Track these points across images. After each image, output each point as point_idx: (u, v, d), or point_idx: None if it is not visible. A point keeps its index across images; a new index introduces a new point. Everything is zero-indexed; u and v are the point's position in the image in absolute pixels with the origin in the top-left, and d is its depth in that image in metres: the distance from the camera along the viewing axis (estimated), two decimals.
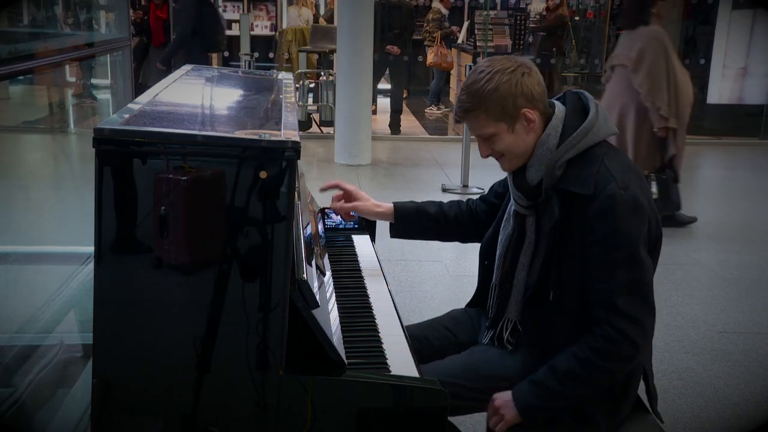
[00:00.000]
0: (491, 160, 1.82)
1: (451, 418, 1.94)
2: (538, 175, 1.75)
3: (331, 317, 1.67)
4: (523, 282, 1.82)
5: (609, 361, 1.66)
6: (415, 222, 2.14)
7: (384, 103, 9.31)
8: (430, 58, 9.98)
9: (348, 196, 2.18)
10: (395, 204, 2.16)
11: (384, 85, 10.28)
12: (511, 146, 1.75)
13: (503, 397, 1.74)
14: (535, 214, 1.80)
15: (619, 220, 1.63)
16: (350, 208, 2.17)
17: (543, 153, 1.73)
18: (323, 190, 2.23)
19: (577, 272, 1.70)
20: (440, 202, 2.20)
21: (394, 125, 8.94)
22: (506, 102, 1.70)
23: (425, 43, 10.29)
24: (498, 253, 1.91)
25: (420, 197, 2.34)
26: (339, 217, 2.37)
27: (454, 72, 11.22)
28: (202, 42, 7.25)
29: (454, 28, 10.68)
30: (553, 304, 1.73)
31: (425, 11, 10.92)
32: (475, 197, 2.23)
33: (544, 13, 10.72)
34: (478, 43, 10.06)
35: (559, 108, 1.77)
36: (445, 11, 10.31)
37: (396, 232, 2.17)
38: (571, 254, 1.70)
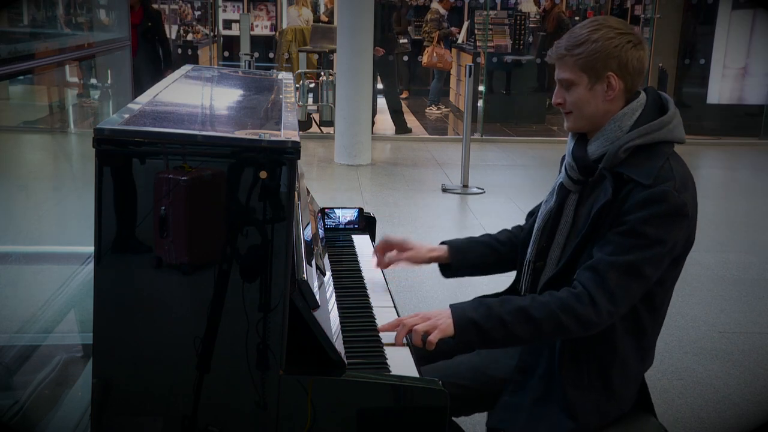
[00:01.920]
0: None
1: (454, 418, 1.94)
2: (599, 151, 1.72)
3: (331, 317, 1.67)
4: (556, 261, 1.79)
5: (567, 316, 1.63)
6: (469, 250, 2.02)
7: (382, 102, 9.31)
8: (425, 58, 9.98)
9: (397, 247, 2.05)
10: (445, 242, 2.05)
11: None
12: (583, 103, 1.71)
13: (439, 310, 1.69)
14: (579, 192, 1.78)
15: (659, 214, 1.61)
16: (405, 260, 2.03)
17: (612, 130, 1.70)
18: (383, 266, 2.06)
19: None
20: (488, 233, 2.10)
21: (399, 125, 8.93)
22: (598, 56, 1.67)
23: (424, 43, 10.29)
24: (536, 226, 1.87)
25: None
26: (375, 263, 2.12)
27: (453, 72, 11.22)
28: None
29: (453, 29, 10.68)
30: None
31: (424, 11, 10.92)
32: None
33: (543, 13, 10.73)
34: (478, 43, 10.06)
35: (643, 96, 1.75)
36: (443, 12, 10.31)
37: (451, 267, 2.03)
38: (599, 235, 1.68)
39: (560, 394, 1.72)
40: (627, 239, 1.63)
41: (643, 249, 1.62)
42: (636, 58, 1.69)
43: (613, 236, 1.65)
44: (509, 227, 2.09)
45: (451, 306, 1.71)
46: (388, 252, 2.05)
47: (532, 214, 1.99)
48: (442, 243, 2.04)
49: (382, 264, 2.05)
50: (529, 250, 1.87)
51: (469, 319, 1.67)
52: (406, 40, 10.33)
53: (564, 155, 1.91)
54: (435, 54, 9.87)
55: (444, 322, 1.67)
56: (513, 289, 1.96)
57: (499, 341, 1.68)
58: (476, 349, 1.93)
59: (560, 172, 1.87)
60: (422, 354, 1.73)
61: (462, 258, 2.01)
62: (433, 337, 1.65)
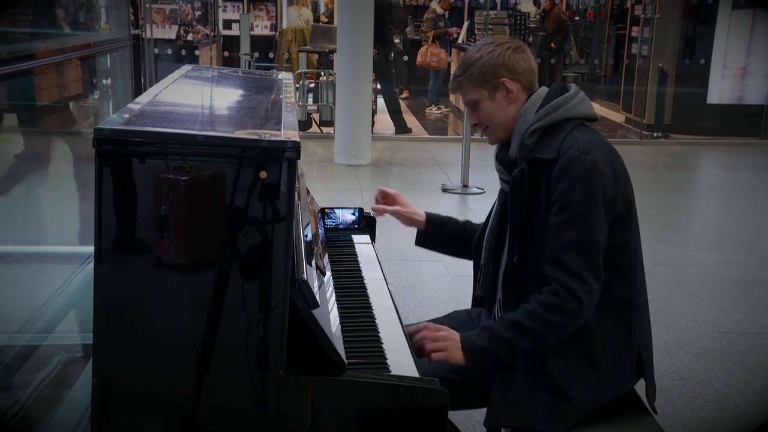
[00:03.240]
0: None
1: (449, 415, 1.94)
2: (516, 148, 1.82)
3: (331, 317, 1.67)
4: (511, 256, 1.85)
5: (553, 314, 1.69)
6: (444, 227, 2.19)
7: (382, 102, 9.32)
8: (419, 57, 9.97)
9: (390, 199, 2.21)
10: (428, 212, 2.21)
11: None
12: (491, 114, 1.84)
13: (452, 335, 1.78)
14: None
15: (573, 181, 1.68)
16: (392, 212, 2.18)
17: (520, 125, 1.82)
18: (377, 212, 2.21)
19: (543, 241, 1.74)
20: (469, 220, 2.24)
21: (399, 125, 8.92)
22: (487, 69, 1.81)
23: (422, 43, 10.29)
24: (487, 231, 1.98)
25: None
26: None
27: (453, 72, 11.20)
28: None
29: (451, 29, 10.66)
30: (533, 276, 1.77)
31: (423, 11, 10.92)
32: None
33: (542, 13, 10.73)
34: None
35: (543, 89, 1.86)
36: (440, 11, 10.29)
37: (423, 236, 2.21)
38: (537, 223, 1.76)
39: (547, 378, 1.75)
40: (561, 216, 1.70)
41: (577, 219, 1.69)
42: (521, 59, 1.83)
43: (551, 219, 1.72)
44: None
45: (461, 337, 1.78)
46: (382, 201, 2.21)
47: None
48: (426, 212, 2.19)
49: (377, 210, 2.20)
50: (483, 254, 1.98)
51: (477, 347, 1.75)
52: (398, 40, 10.32)
53: None
54: (429, 53, 9.85)
55: (454, 353, 1.75)
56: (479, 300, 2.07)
57: (508, 358, 1.76)
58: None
59: None
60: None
61: (435, 232, 2.19)
62: (436, 357, 1.75)
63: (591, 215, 1.69)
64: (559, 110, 1.78)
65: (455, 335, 1.77)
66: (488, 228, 1.97)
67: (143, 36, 8.97)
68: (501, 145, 1.91)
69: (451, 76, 1.91)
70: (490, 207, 2.03)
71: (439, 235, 2.19)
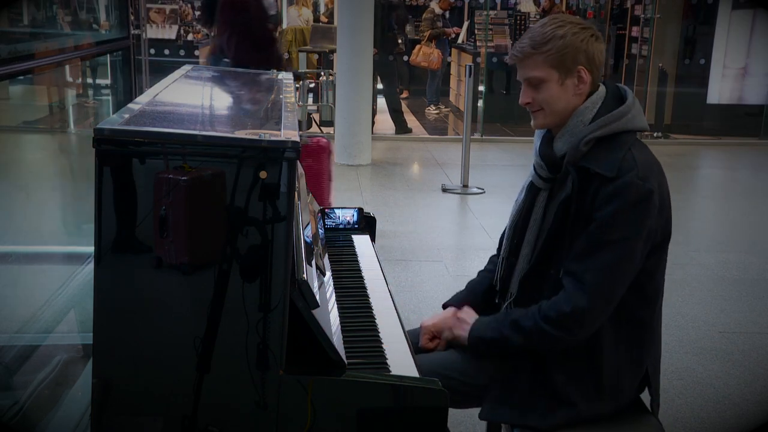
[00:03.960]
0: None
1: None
2: (565, 147, 1.74)
3: (331, 317, 1.67)
4: (527, 257, 1.81)
5: (548, 324, 1.69)
6: (476, 306, 1.96)
7: (382, 102, 9.32)
8: (412, 56, 9.95)
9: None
10: (448, 303, 2.03)
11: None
12: (554, 99, 1.73)
13: (467, 317, 1.85)
14: (549, 189, 1.79)
15: (625, 206, 1.63)
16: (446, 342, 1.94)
17: (576, 125, 1.73)
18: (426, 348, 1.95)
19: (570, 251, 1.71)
20: (480, 271, 2.08)
21: (399, 125, 8.92)
22: (568, 52, 1.69)
23: (421, 42, 10.28)
24: (508, 224, 1.91)
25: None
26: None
27: (454, 72, 11.21)
28: None
29: (449, 29, 10.65)
30: (550, 283, 1.75)
31: (423, 11, 10.91)
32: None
33: (542, 12, 10.72)
34: (478, 43, 10.06)
35: (602, 89, 1.77)
36: (439, 11, 10.28)
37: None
38: (575, 236, 1.70)
39: (549, 384, 1.74)
40: (600, 235, 1.65)
41: (616, 244, 1.65)
42: (599, 51, 1.73)
43: (585, 236, 1.67)
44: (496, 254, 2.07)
45: (474, 322, 1.84)
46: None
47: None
48: (445, 305, 2.02)
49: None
50: (503, 246, 1.93)
51: (480, 338, 1.81)
52: (400, 41, 10.32)
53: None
54: (421, 53, 9.82)
55: (460, 333, 1.86)
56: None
57: (503, 349, 1.80)
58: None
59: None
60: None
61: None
62: (444, 338, 1.88)
63: (631, 243, 1.65)
64: (620, 121, 1.71)
65: (470, 317, 1.85)
66: (511, 222, 1.90)
67: (143, 36, 8.97)
68: (544, 137, 1.81)
69: (515, 45, 1.76)
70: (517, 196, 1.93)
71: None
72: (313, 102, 9.33)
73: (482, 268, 2.09)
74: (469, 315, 1.88)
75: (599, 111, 1.72)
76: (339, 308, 1.79)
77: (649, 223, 1.67)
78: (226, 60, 4.02)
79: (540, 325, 1.70)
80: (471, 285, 2.07)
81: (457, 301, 2.01)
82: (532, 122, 1.80)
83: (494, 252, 2.06)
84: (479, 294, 2.02)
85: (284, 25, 10.44)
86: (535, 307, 1.73)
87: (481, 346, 1.81)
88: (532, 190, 1.84)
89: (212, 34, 4.71)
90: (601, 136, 1.70)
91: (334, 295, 1.85)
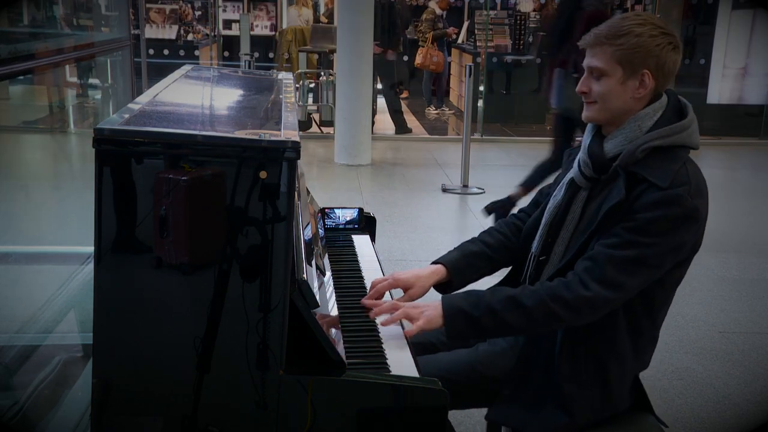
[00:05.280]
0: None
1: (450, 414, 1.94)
2: (616, 149, 1.69)
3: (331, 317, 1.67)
4: (560, 256, 1.78)
5: (554, 301, 1.64)
6: (466, 267, 1.94)
7: (382, 102, 9.32)
8: (419, 59, 9.96)
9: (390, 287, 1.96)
10: (440, 261, 1.95)
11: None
12: (611, 96, 1.68)
13: (433, 302, 1.69)
14: (589, 189, 1.76)
15: (668, 217, 1.61)
16: (407, 299, 1.90)
17: (632, 129, 1.69)
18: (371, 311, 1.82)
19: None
20: (476, 237, 2.01)
21: (399, 125, 8.92)
22: (639, 52, 1.64)
23: (419, 43, 10.27)
24: (543, 221, 1.85)
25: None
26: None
27: (455, 72, 11.21)
28: None
29: (449, 29, 10.65)
30: None
31: (422, 11, 10.90)
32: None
33: (538, 8, 10.73)
34: (478, 43, 10.06)
35: (665, 98, 1.73)
36: (439, 11, 10.27)
37: (450, 286, 1.93)
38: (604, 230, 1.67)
39: (557, 388, 1.73)
40: (632, 235, 1.62)
41: (645, 246, 1.62)
42: (673, 61, 1.68)
43: (618, 230, 1.64)
44: (495, 226, 2.04)
45: (442, 296, 1.72)
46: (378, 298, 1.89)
47: (546, 195, 1.94)
48: (436, 262, 1.95)
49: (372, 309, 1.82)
50: (535, 243, 1.86)
51: (458, 308, 1.68)
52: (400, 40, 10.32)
53: (567, 150, 1.91)
54: (429, 55, 9.82)
55: (431, 312, 1.68)
56: (510, 279, 1.95)
57: (491, 330, 1.69)
58: (474, 344, 1.94)
59: (566, 167, 1.86)
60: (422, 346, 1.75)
61: (461, 278, 1.94)
62: (415, 327, 1.67)
63: (662, 252, 1.63)
64: (680, 135, 1.67)
65: (434, 302, 1.69)
66: (545, 220, 1.83)
67: (142, 36, 8.96)
68: (594, 134, 1.76)
69: (591, 31, 1.69)
70: (547, 195, 1.89)
71: (466, 272, 1.94)
72: (313, 102, 9.33)
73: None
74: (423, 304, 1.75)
75: (658, 120, 1.69)
76: (339, 308, 1.79)
77: (686, 239, 1.65)
78: (575, 75, 4.12)
79: (548, 305, 1.64)
80: (464, 249, 1.97)
81: (447, 261, 1.93)
82: (583, 114, 1.75)
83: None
84: (470, 258, 1.94)
85: (284, 25, 10.45)
86: (536, 287, 1.68)
87: (458, 321, 1.68)
88: (571, 188, 1.79)
89: (562, 49, 4.75)
90: (659, 146, 1.66)
91: (334, 295, 1.85)
